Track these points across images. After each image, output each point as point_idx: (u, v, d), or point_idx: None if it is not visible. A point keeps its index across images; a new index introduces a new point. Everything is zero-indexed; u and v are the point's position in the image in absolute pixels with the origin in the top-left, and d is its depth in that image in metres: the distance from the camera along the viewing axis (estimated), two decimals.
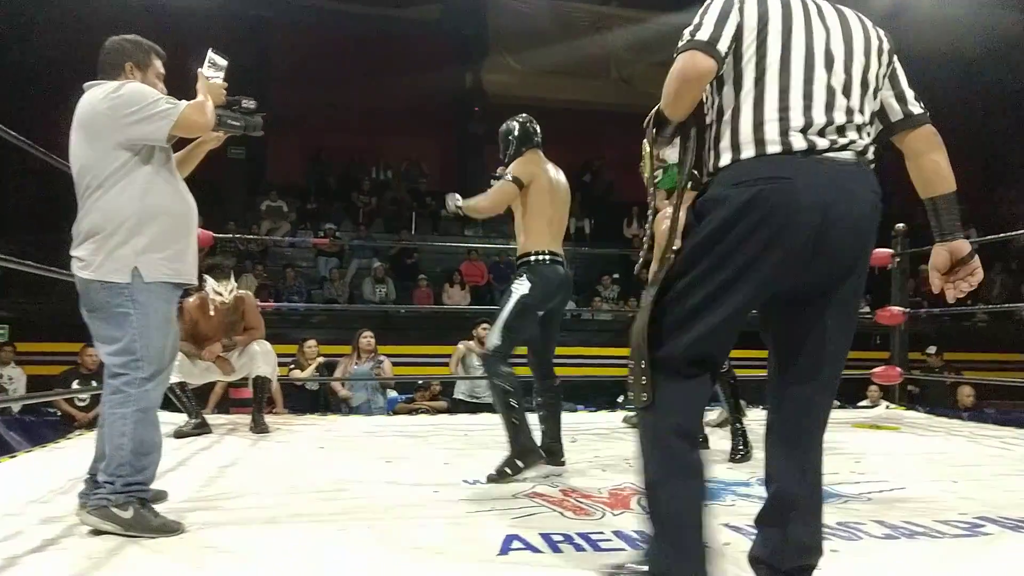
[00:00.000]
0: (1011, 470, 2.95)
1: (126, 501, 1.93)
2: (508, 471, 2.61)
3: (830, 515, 2.13)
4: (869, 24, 1.53)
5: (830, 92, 1.44)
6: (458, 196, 2.84)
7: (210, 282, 3.85)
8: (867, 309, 5.02)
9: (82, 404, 5.71)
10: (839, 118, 1.43)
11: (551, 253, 2.79)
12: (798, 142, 1.41)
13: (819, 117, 1.42)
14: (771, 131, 1.43)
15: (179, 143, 2.23)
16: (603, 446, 3.40)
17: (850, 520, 2.11)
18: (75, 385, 5.59)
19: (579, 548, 1.84)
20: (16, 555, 1.75)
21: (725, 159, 1.47)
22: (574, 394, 6.84)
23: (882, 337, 6.94)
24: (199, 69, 2.18)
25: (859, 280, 1.48)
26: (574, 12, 12.36)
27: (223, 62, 2.22)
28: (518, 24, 12.32)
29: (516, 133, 2.96)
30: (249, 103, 2.28)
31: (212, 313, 3.89)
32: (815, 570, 1.52)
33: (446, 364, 6.62)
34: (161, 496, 2.22)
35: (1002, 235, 5.50)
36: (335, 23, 11.95)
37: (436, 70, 12.13)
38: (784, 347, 1.52)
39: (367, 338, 6.03)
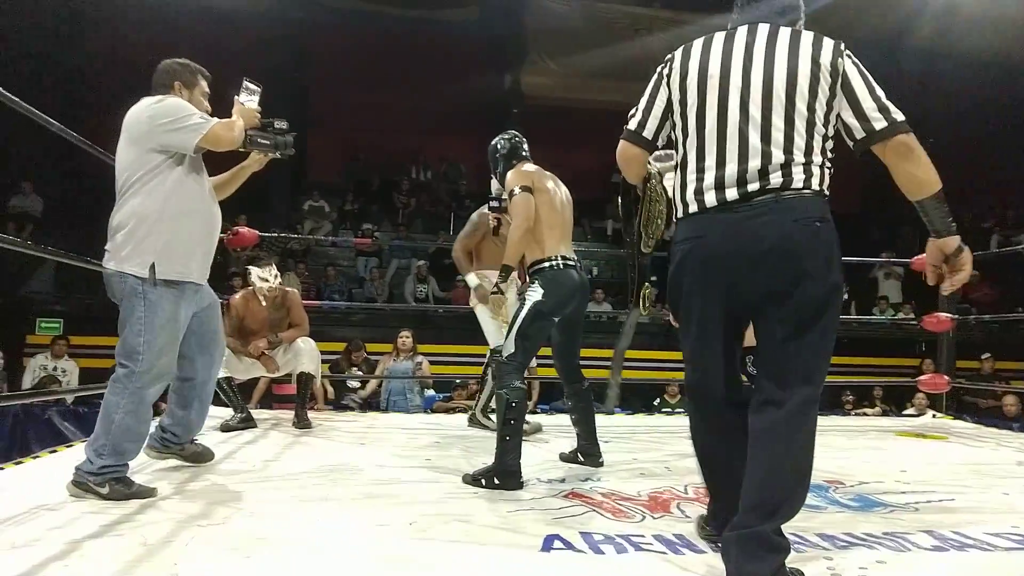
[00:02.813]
0: None
1: (102, 481, 2.19)
2: (482, 483, 2.52)
3: (875, 524, 2.12)
4: (807, 52, 1.63)
5: (743, 142, 1.63)
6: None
7: (254, 271, 3.94)
8: (912, 316, 4.92)
9: None
10: (755, 164, 1.61)
11: (563, 258, 2.81)
12: (710, 199, 1.65)
13: (731, 169, 1.63)
14: (691, 192, 1.69)
15: (224, 164, 2.47)
16: (640, 449, 3.39)
17: (897, 530, 2.07)
18: None
19: (621, 549, 1.85)
20: (76, 539, 1.82)
21: (675, 216, 1.77)
22: None
23: (927, 344, 6.78)
24: (235, 96, 2.43)
25: (800, 299, 1.60)
26: (612, 14, 12.29)
27: (257, 88, 2.46)
28: (556, 26, 12.30)
29: (503, 150, 3.11)
30: (281, 124, 2.53)
31: (263, 303, 3.98)
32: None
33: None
34: (150, 493, 2.26)
35: None
36: (374, 25, 12.08)
37: (474, 71, 12.20)
38: (759, 356, 1.74)
39: (403, 337, 6.14)
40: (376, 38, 12.20)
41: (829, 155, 1.67)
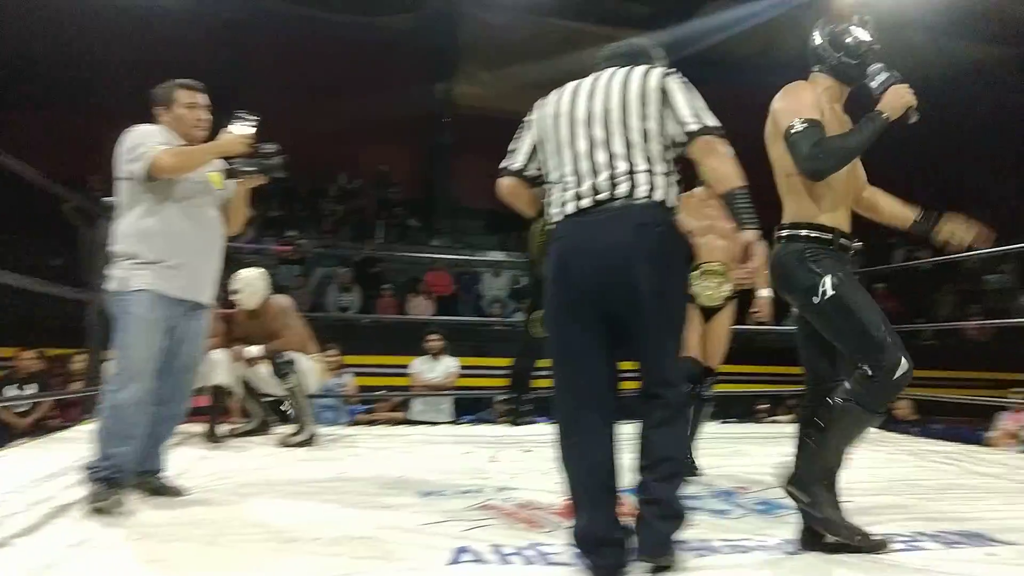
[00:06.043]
0: (952, 486, 3.04)
1: (93, 478, 2.27)
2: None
3: (777, 528, 2.19)
4: (638, 79, 1.87)
5: (593, 161, 1.85)
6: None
7: None
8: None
9: (20, 411, 5.46)
10: (604, 176, 1.83)
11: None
12: (571, 208, 1.86)
13: (587, 183, 1.85)
14: (557, 206, 1.90)
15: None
16: None
17: (788, 534, 2.13)
18: (12, 391, 5.38)
19: (528, 561, 1.85)
20: None
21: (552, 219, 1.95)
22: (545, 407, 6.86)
23: None
24: (225, 128, 2.52)
25: (640, 299, 1.77)
26: (547, 28, 12.47)
27: (251, 119, 2.54)
28: (490, 37, 12.39)
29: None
30: (268, 148, 2.61)
31: None
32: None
33: (408, 375, 6.59)
34: (174, 491, 2.49)
35: (951, 256, 5.68)
36: (307, 29, 11.88)
37: (407, 80, 12.13)
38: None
39: (331, 356, 5.97)
40: (308, 43, 11.98)
41: (672, 166, 1.87)
